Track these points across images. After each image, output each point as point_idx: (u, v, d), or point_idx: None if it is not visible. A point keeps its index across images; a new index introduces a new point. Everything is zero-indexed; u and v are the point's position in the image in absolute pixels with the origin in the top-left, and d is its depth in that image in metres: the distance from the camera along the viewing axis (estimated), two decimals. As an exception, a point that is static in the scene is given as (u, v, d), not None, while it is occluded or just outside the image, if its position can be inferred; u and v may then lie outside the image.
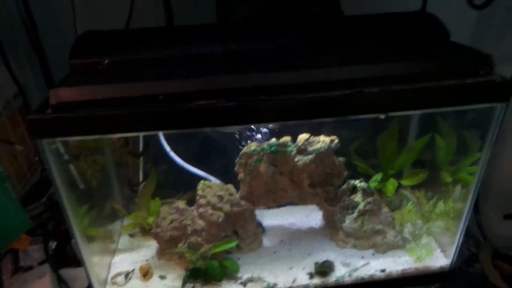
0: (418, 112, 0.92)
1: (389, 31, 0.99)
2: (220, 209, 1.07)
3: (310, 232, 1.23)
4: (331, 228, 1.17)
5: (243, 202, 1.09)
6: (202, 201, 1.07)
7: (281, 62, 0.86)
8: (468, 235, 1.28)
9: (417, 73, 0.84)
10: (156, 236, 1.07)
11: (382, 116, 0.88)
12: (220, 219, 1.05)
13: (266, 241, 1.19)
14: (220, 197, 1.09)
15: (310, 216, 1.28)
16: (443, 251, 1.15)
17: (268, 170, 1.05)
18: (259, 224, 1.21)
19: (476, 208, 1.26)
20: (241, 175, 1.09)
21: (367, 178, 1.24)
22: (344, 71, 0.83)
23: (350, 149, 1.22)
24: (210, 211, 1.06)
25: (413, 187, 1.23)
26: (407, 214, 1.17)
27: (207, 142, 1.17)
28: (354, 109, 0.83)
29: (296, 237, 1.21)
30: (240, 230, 1.11)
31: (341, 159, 1.12)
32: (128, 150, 1.10)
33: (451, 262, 1.11)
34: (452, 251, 1.10)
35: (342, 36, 0.98)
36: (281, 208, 1.31)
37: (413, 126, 1.27)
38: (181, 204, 1.10)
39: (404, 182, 1.21)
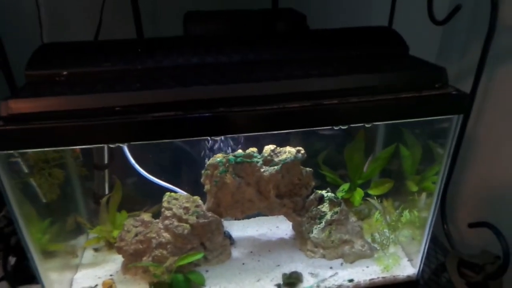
0: (376, 123, 0.93)
1: (350, 45, 1.00)
2: (186, 221, 1.05)
3: (280, 243, 1.21)
4: (300, 238, 1.16)
5: (209, 214, 1.07)
6: (168, 213, 1.05)
7: (241, 74, 0.86)
8: (436, 243, 1.29)
9: (375, 85, 0.85)
10: (120, 250, 1.04)
11: (368, 125, 0.88)
12: (186, 231, 1.03)
13: (235, 253, 1.17)
14: (186, 209, 1.07)
15: (280, 227, 1.27)
16: (410, 260, 1.15)
17: (234, 181, 1.04)
18: (228, 236, 1.19)
19: (444, 217, 1.27)
20: (207, 187, 1.07)
21: (336, 187, 1.24)
22: (304, 83, 0.83)
23: (318, 159, 1.22)
24: (175, 223, 1.04)
25: (381, 196, 1.23)
26: (375, 223, 1.18)
27: (174, 153, 1.16)
28: (313, 121, 0.83)
29: (265, 248, 1.19)
30: (207, 242, 1.09)
31: (308, 169, 1.12)
32: (93, 162, 1.07)
33: (418, 271, 1.11)
34: (418, 260, 1.11)
35: (304, 50, 0.98)
36: (252, 219, 1.29)
37: (380, 136, 1.28)
38: (146, 216, 1.08)
39: (371, 192, 1.21)
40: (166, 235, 1.04)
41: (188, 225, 1.04)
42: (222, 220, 1.16)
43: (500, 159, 1.17)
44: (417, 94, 0.85)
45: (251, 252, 1.17)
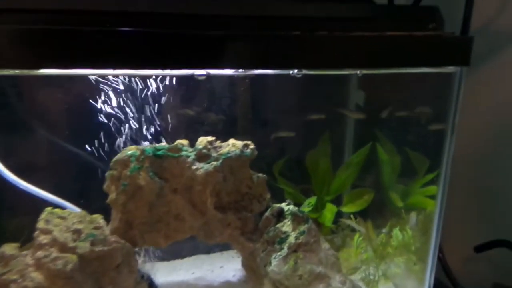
0: (352, 72, 0.65)
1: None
2: (73, 250, 0.63)
3: (226, 289, 0.81)
4: (254, 277, 0.76)
5: (113, 239, 0.67)
6: (44, 239, 0.63)
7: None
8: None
9: (352, 17, 0.58)
10: None
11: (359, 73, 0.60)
12: (70, 267, 0.61)
13: (159, 308, 0.74)
14: (77, 233, 0.65)
15: (226, 266, 0.85)
16: (408, 301, 0.78)
17: (152, 183, 0.66)
18: (148, 280, 0.76)
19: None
20: (112, 196, 0.68)
21: (297, 206, 0.89)
22: (253, 4, 0.54)
23: (273, 169, 0.89)
24: (54, 254, 0.62)
25: (356, 217, 0.90)
26: (356, 251, 0.82)
27: (67, 153, 0.76)
28: (258, 58, 0.52)
29: (204, 299, 0.78)
30: (109, 287, 0.66)
31: (261, 175, 0.77)
32: None
33: (422, 316, 0.75)
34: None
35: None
36: (186, 259, 0.88)
37: (348, 143, 0.99)
38: (9, 248, 0.64)
39: (346, 209, 0.87)
40: (37, 276, 0.60)
41: (75, 257, 0.62)
42: (138, 256, 0.75)
43: (499, 156, 0.90)
44: (407, 33, 0.59)
45: (183, 305, 0.75)
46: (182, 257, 0.87)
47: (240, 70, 0.57)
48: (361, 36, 0.55)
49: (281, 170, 0.88)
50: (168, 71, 0.62)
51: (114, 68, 0.47)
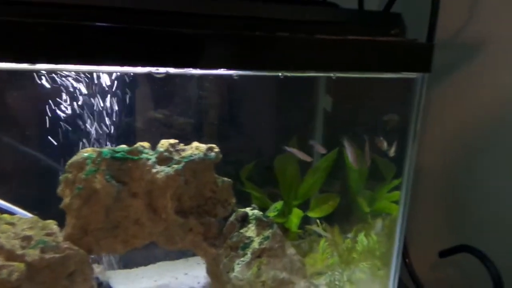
0: (315, 74, 0.64)
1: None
2: (22, 258, 0.59)
3: (190, 298, 0.77)
4: (217, 283, 0.73)
5: (66, 245, 0.63)
6: (-11, 246, 0.59)
7: None
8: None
9: (315, 20, 0.57)
10: None
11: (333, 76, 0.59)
12: (15, 276, 0.56)
13: (118, 318, 0.70)
14: (27, 240, 0.61)
15: (190, 273, 0.82)
16: (373, 306, 0.77)
17: (109, 186, 0.62)
18: (106, 289, 0.72)
19: (405, 247, 0.94)
20: (66, 200, 0.64)
21: (264, 211, 0.87)
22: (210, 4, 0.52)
23: (241, 174, 0.87)
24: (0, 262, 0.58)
25: (322, 223, 0.88)
26: (321, 257, 0.80)
27: (18, 156, 0.72)
28: (215, 58, 0.50)
29: (167, 308, 0.74)
30: (61, 297, 0.62)
31: (226, 179, 0.75)
32: None
33: (386, 322, 0.73)
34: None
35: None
36: (150, 266, 0.84)
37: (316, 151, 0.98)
38: (-50, 255, 0.60)
39: (312, 214, 0.85)
40: (-21, 285, 0.56)
41: (22, 265, 0.57)
42: (98, 264, 0.71)
43: (466, 164, 0.90)
44: (368, 38, 0.58)
45: (144, 315, 0.71)
46: (146, 264, 0.83)
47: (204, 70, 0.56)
48: (323, 39, 0.53)
49: (250, 175, 0.86)
50: (126, 68, 0.59)
51: (76, 64, 0.44)
